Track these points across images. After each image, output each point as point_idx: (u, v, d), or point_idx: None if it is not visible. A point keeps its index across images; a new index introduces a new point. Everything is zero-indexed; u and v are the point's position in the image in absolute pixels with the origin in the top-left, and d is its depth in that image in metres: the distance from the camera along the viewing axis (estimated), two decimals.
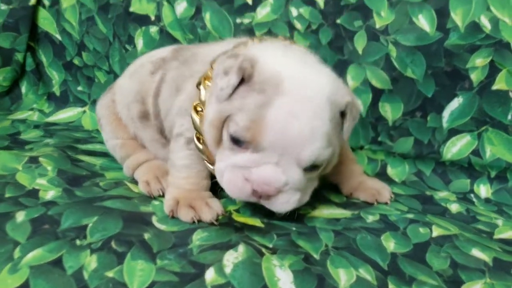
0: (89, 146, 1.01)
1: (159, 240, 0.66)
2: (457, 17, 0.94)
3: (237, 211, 0.78)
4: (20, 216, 0.69)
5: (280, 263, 0.64)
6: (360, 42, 1.01)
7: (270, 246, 0.68)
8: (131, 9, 1.11)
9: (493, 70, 0.95)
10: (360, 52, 1.01)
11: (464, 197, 0.97)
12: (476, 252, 0.72)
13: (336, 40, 1.02)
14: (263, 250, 0.66)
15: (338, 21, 1.02)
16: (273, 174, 0.67)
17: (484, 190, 0.99)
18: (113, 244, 0.64)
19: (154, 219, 0.71)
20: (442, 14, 0.95)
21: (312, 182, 0.75)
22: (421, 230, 0.77)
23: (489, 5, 0.93)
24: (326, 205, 0.86)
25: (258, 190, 0.68)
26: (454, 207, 0.91)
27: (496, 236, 0.80)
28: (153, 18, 1.10)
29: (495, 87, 0.95)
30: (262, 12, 1.04)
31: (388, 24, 0.99)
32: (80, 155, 0.94)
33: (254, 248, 0.66)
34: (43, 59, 1.22)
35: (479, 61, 0.95)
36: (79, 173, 0.85)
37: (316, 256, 0.66)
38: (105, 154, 0.98)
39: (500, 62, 0.94)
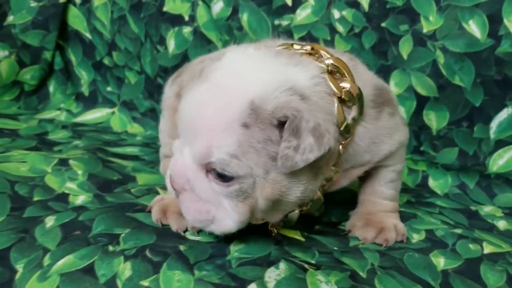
0: (119, 150, 0.98)
1: (195, 251, 0.62)
2: (511, 23, 0.89)
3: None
4: (50, 221, 0.66)
5: (326, 279, 0.59)
6: (405, 47, 0.96)
7: (313, 262, 0.64)
8: (165, 9, 1.07)
9: None
10: (405, 57, 0.96)
11: (510, 212, 0.91)
12: None
13: (380, 45, 0.97)
14: (306, 266, 0.62)
15: (383, 24, 0.97)
16: (177, 162, 0.61)
17: None
18: (147, 253, 0.60)
19: (188, 234, 0.67)
20: (494, 20, 0.90)
21: (245, 206, 0.59)
22: (471, 246, 0.73)
23: None
24: None
25: (170, 181, 0.62)
26: (502, 224, 0.85)
27: None
28: (187, 18, 1.07)
29: None
30: (302, 14, 1.00)
31: (436, 29, 0.93)
32: (110, 158, 0.90)
33: (296, 265, 0.62)
34: (72, 58, 1.20)
35: None
36: (110, 178, 0.82)
37: (363, 275, 0.62)
38: (136, 158, 0.95)
39: None
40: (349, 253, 0.68)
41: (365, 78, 0.67)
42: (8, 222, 0.65)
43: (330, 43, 0.99)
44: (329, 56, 0.63)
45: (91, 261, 0.58)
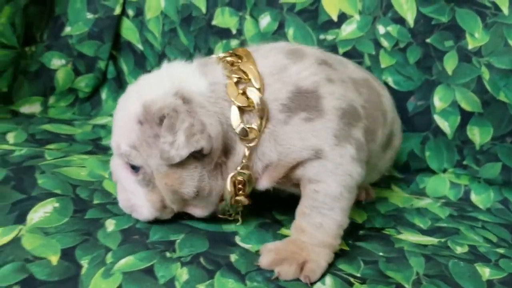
0: None
1: (245, 261, 0.66)
2: None
3: None
4: (110, 225, 0.70)
5: None
6: (450, 63, 0.97)
7: (358, 275, 0.66)
8: (214, 23, 1.12)
9: None
10: (449, 73, 0.97)
11: None
12: None
13: (425, 60, 0.99)
14: (351, 279, 0.64)
15: (428, 40, 0.98)
16: (111, 159, 0.72)
17: None
18: (202, 260, 0.64)
19: (237, 239, 0.71)
20: None
21: (155, 195, 0.68)
22: None
23: None
24: (411, 231, 0.83)
25: None
26: None
27: None
28: (234, 31, 1.11)
29: None
30: (347, 29, 1.02)
31: (481, 45, 0.95)
32: None
33: (342, 279, 0.64)
34: (124, 67, 1.25)
35: None
36: None
37: (408, 287, 0.64)
38: None
39: None
40: (394, 260, 0.70)
41: (290, 80, 0.67)
42: (73, 223, 0.69)
43: (375, 58, 1.01)
44: (240, 62, 0.69)
45: (151, 263, 0.62)
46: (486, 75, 0.95)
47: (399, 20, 1.00)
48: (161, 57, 1.20)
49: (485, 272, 0.69)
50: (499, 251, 0.78)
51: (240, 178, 0.67)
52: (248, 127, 0.66)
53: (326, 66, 0.70)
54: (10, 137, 1.01)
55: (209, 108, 0.66)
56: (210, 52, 1.13)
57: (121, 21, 1.22)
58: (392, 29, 1.00)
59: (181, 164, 0.64)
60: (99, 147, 1.03)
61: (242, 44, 1.10)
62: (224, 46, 1.12)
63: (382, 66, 1.01)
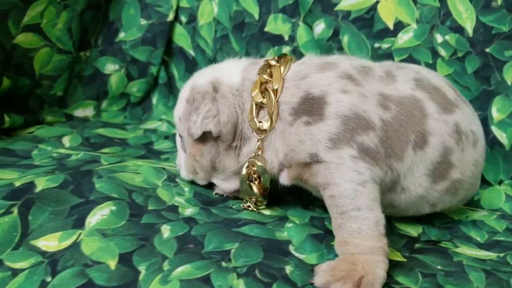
0: None
1: (301, 272, 0.65)
2: None
3: None
4: (166, 231, 0.71)
5: None
6: (510, 73, 0.94)
7: None
8: (266, 29, 1.12)
9: None
10: (509, 83, 0.94)
11: None
12: None
13: (483, 70, 0.96)
14: None
15: (487, 50, 0.96)
16: None
17: None
18: (257, 273, 0.64)
19: (291, 248, 0.70)
20: None
21: (213, 158, 0.80)
22: None
23: None
24: (468, 244, 0.80)
25: None
26: None
27: None
28: (286, 38, 1.10)
29: None
30: (404, 38, 1.01)
31: None
32: None
33: None
34: (175, 73, 1.27)
35: None
36: (212, 196, 0.86)
37: None
38: None
39: None
40: (453, 274, 0.68)
41: (304, 86, 0.73)
42: (129, 226, 0.70)
43: (432, 67, 0.99)
44: (276, 65, 0.77)
45: (207, 272, 0.62)
46: None
47: (458, 29, 0.97)
48: (212, 63, 1.21)
49: None
50: None
51: (254, 168, 0.76)
52: (259, 122, 0.74)
53: (348, 80, 0.73)
54: (66, 141, 1.04)
55: (230, 99, 0.77)
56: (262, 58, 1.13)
57: (174, 27, 1.25)
58: (450, 38, 0.98)
59: (202, 140, 0.78)
60: (151, 152, 1.05)
61: (294, 50, 1.10)
62: (276, 52, 1.12)
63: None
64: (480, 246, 0.80)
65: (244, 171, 0.77)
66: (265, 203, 0.82)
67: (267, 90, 0.74)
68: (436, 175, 0.74)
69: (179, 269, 0.62)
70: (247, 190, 0.79)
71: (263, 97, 0.74)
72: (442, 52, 0.99)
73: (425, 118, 0.73)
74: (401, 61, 1.00)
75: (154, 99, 1.29)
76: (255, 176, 0.77)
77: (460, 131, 0.75)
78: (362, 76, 0.74)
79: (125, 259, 0.63)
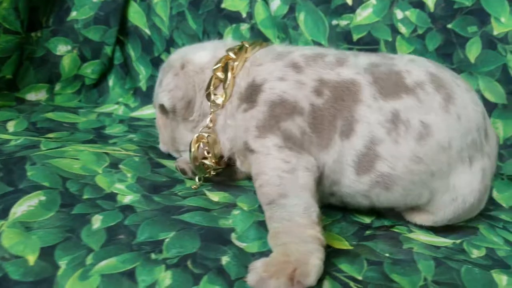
0: None
1: (237, 263, 0.61)
2: None
3: (324, 228, 0.70)
4: (97, 222, 0.66)
5: None
6: (473, 50, 0.90)
7: (360, 278, 0.60)
8: (223, 6, 1.07)
9: None
10: (472, 60, 0.90)
11: None
12: None
13: (445, 47, 0.91)
14: (351, 283, 0.59)
15: (449, 26, 0.91)
16: None
17: None
18: (189, 263, 0.60)
19: (233, 237, 0.66)
20: None
21: (173, 130, 0.85)
22: None
23: None
24: (423, 231, 0.76)
25: None
26: None
27: None
28: (244, 15, 1.05)
29: None
30: (363, 14, 0.96)
31: (508, 31, 0.86)
32: (160, 159, 0.91)
33: (341, 283, 0.59)
34: (131, 53, 1.22)
35: None
36: (158, 180, 0.81)
37: None
38: None
39: None
40: (401, 263, 0.64)
41: (254, 73, 0.75)
42: (57, 218, 0.66)
43: (392, 44, 0.94)
44: (246, 46, 0.79)
45: (133, 266, 0.58)
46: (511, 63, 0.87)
47: (418, 4, 0.93)
48: (169, 42, 1.16)
49: (502, 280, 0.63)
50: None
51: (204, 140, 0.76)
52: (214, 94, 0.77)
53: (290, 68, 0.73)
54: (10, 126, 0.99)
55: (191, 76, 0.81)
56: (219, 36, 1.09)
57: (128, 4, 1.19)
58: (411, 13, 0.93)
59: (165, 112, 0.82)
60: (101, 136, 1.00)
61: (253, 28, 1.05)
62: (234, 30, 1.07)
63: (399, 53, 0.94)
64: (438, 232, 0.76)
65: (192, 144, 0.77)
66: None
67: (229, 67, 0.77)
68: (360, 167, 0.69)
69: (103, 263, 0.58)
70: (201, 168, 0.79)
71: (224, 73, 0.77)
72: (402, 29, 0.94)
73: (356, 104, 0.69)
74: (359, 38, 0.95)
75: (110, 81, 1.24)
76: (206, 150, 0.77)
77: (397, 120, 0.67)
78: (308, 63, 0.73)
79: (46, 254, 0.59)
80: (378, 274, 0.62)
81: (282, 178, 0.65)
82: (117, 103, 1.21)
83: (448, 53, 0.91)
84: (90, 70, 1.21)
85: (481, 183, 0.70)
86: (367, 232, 0.73)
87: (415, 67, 0.71)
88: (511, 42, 0.87)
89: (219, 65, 0.78)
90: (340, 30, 0.96)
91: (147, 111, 1.20)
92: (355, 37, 0.96)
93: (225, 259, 0.61)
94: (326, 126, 0.69)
